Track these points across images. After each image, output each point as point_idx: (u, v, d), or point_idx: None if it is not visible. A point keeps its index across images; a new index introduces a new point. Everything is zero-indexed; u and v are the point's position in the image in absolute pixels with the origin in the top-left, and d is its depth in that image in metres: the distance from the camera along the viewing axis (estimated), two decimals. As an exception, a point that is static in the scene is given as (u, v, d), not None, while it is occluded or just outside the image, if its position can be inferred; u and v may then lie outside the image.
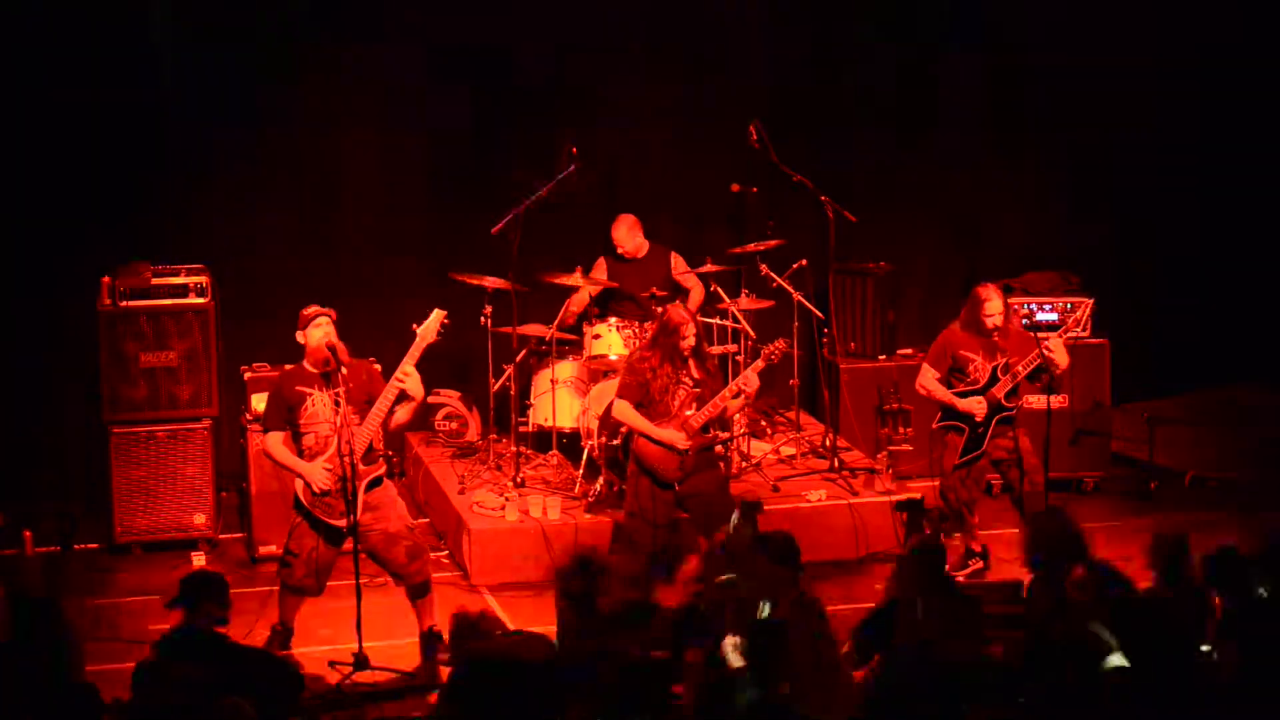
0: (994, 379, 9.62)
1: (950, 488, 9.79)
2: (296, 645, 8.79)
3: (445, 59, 11.47)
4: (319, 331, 8.61)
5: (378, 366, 9.03)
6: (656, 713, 6.62)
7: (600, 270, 11.20)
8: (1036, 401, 9.67)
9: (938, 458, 9.90)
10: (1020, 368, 9.55)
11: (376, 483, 8.67)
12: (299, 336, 8.68)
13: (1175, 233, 12.64)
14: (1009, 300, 10.01)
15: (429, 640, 8.83)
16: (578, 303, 11.05)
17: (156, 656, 7.16)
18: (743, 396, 9.43)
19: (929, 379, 9.80)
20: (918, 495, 10.31)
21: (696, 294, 11.18)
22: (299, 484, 8.67)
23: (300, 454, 8.67)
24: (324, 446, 8.63)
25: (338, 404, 8.54)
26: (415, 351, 8.63)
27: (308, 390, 8.66)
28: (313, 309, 8.68)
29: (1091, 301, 9.59)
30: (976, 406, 9.62)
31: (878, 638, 7.36)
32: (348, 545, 8.66)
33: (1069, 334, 9.83)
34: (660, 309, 9.92)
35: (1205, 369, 12.51)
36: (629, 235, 11.16)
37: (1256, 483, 11.39)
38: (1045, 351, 9.44)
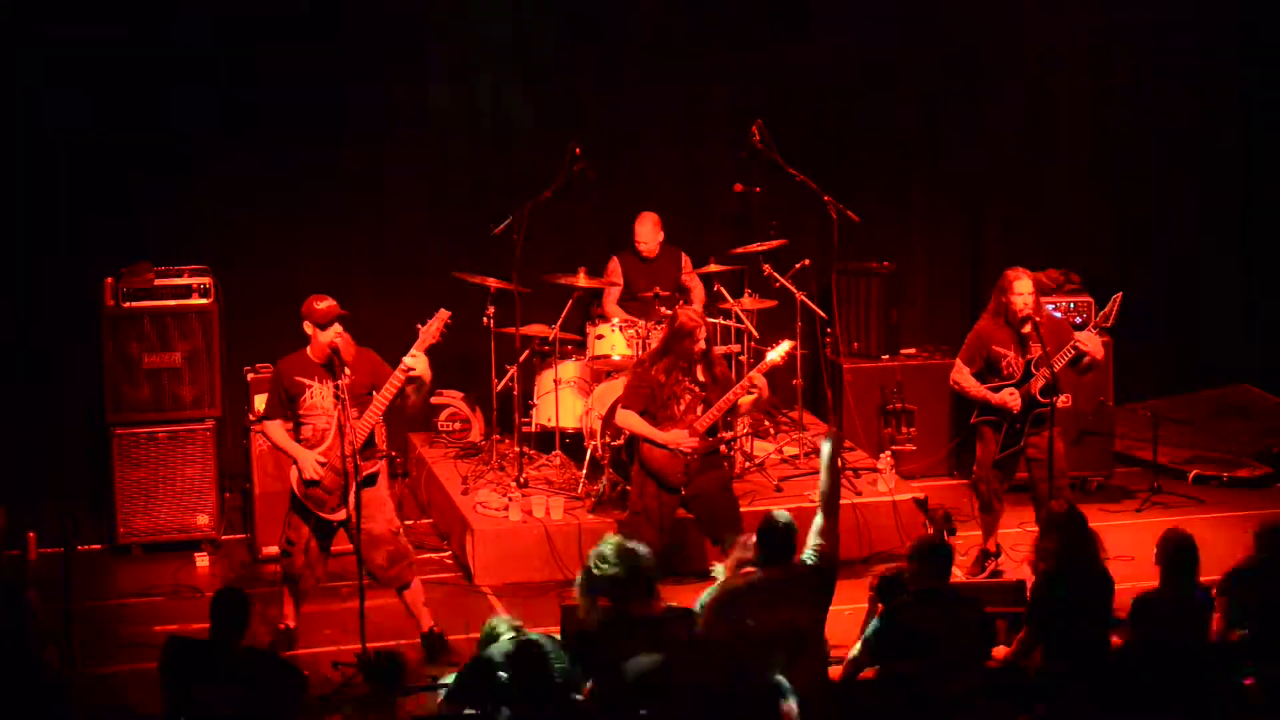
0: (1028, 374, 9.57)
1: (983, 479, 9.75)
2: (300, 647, 8.79)
3: (447, 57, 11.46)
4: (330, 332, 8.59)
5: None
6: None
7: (615, 271, 11.17)
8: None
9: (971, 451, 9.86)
10: (1055, 360, 9.45)
11: (369, 481, 8.66)
12: (306, 327, 8.66)
13: (1176, 233, 12.63)
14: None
15: (431, 641, 8.84)
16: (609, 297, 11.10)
17: None
18: (755, 394, 9.35)
19: (962, 374, 9.73)
20: (921, 495, 10.33)
21: (698, 295, 11.16)
22: (293, 473, 8.68)
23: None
24: (321, 439, 8.64)
25: (338, 397, 8.54)
26: (418, 349, 8.61)
27: (308, 381, 8.65)
28: (327, 305, 8.61)
29: (1120, 295, 9.52)
30: (1010, 399, 9.54)
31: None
32: (338, 546, 8.72)
33: (1097, 327, 9.73)
34: (667, 310, 9.91)
35: (1206, 369, 12.49)
36: (652, 234, 11.13)
37: (1257, 482, 11.42)
38: (1079, 344, 9.42)
